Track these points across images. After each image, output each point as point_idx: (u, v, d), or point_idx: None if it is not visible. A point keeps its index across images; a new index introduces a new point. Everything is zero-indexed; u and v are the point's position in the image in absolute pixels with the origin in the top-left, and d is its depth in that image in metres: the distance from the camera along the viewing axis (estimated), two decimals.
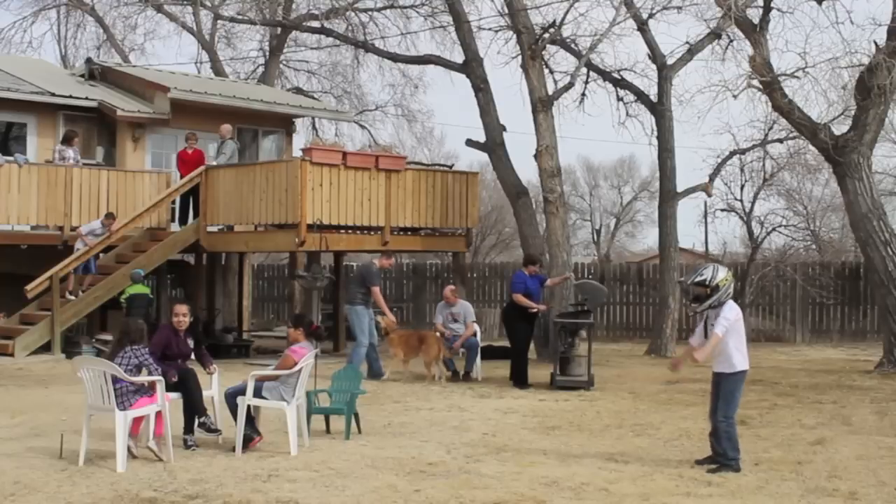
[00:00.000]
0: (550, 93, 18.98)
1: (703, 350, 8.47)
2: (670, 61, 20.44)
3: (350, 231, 18.49)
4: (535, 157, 18.64)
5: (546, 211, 18.73)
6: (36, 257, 18.29)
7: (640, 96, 20.94)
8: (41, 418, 10.97)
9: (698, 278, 8.51)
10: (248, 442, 9.19)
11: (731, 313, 8.44)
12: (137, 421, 8.87)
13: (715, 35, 20.00)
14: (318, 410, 10.14)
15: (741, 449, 8.74)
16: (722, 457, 8.52)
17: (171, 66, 31.01)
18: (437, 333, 15.59)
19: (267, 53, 30.54)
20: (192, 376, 9.57)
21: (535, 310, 14.69)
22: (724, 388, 8.54)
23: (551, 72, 20.35)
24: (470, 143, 20.84)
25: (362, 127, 33.74)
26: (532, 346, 16.11)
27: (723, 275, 8.49)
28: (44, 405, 11.95)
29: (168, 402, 8.97)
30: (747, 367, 8.64)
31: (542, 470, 8.49)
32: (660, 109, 20.37)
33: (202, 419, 9.39)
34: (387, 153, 19.25)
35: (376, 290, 15.18)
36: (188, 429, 9.45)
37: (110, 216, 18.15)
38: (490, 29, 20.66)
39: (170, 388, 9.21)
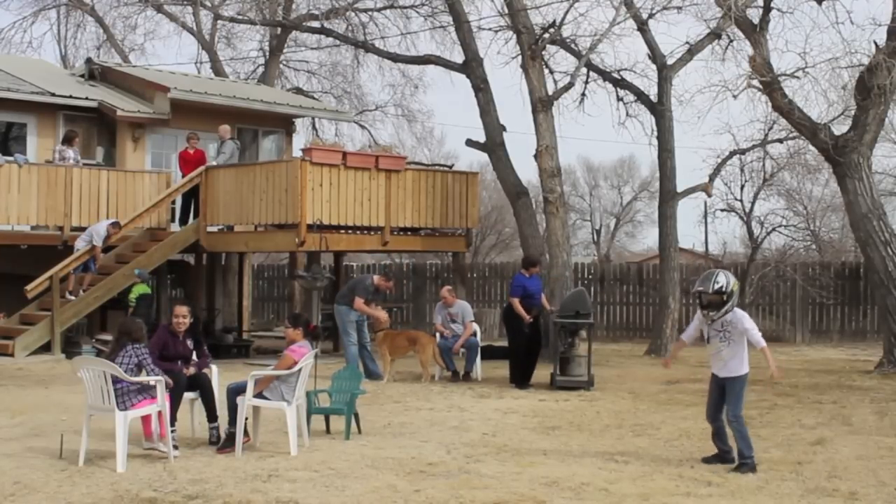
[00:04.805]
0: (550, 93, 18.98)
1: (773, 364, 8.65)
2: (670, 61, 20.44)
3: (350, 231, 18.49)
4: (535, 157, 18.64)
5: (546, 211, 18.73)
6: (36, 257, 18.29)
7: (640, 96, 20.94)
8: (41, 418, 10.97)
9: (717, 286, 8.59)
10: (230, 440, 9.18)
11: (750, 320, 8.65)
12: (147, 422, 8.89)
13: (715, 35, 20.00)
14: (318, 410, 10.14)
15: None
16: (731, 455, 8.64)
17: (171, 66, 31.03)
18: (437, 334, 15.61)
19: (267, 53, 30.54)
20: (206, 380, 9.70)
21: (526, 320, 14.59)
22: (732, 389, 8.67)
23: (551, 72, 20.37)
24: (470, 143, 20.84)
25: (362, 127, 33.76)
26: None
27: (733, 280, 8.67)
28: (44, 405, 11.95)
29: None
30: (748, 368, 8.80)
31: (542, 470, 8.49)
32: (660, 109, 20.37)
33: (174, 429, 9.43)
34: (387, 153, 19.25)
35: (358, 300, 15.19)
36: (212, 418, 9.56)
37: (117, 225, 18.11)
38: (490, 29, 20.69)
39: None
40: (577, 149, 78.40)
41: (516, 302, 14.65)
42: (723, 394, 8.73)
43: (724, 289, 8.55)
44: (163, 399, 8.86)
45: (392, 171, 18.52)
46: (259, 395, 9.32)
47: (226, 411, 9.43)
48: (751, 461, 8.52)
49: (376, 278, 15.81)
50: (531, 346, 14.73)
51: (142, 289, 17.35)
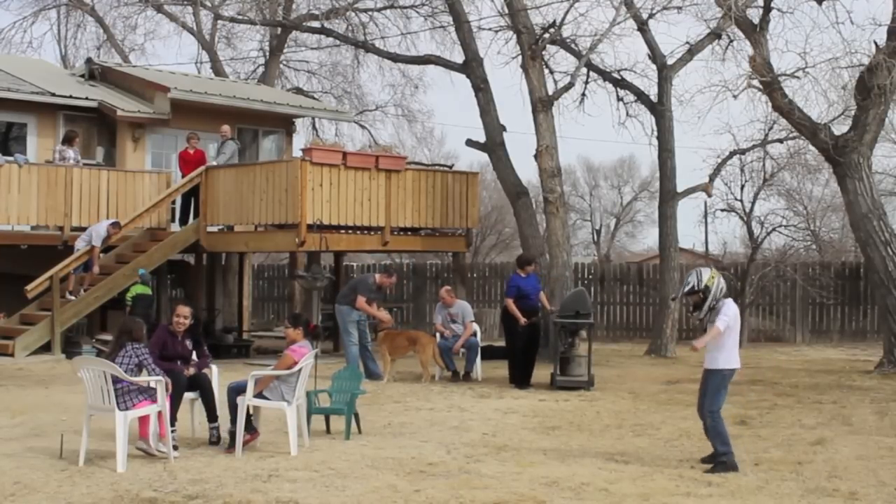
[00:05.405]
0: (550, 93, 18.99)
1: (702, 339, 8.60)
2: (670, 61, 20.44)
3: (350, 231, 18.49)
4: (535, 157, 18.66)
5: (546, 211, 18.74)
6: (36, 257, 18.29)
7: (640, 96, 20.94)
8: (41, 418, 10.97)
9: (686, 288, 8.68)
10: (233, 438, 9.19)
11: (731, 310, 8.58)
12: (144, 422, 8.89)
13: (715, 35, 20.00)
14: (319, 410, 10.14)
15: (741, 449, 8.76)
16: (715, 454, 8.58)
17: (171, 66, 31.02)
18: (437, 334, 15.61)
19: (267, 53, 30.55)
20: (206, 380, 9.74)
21: (521, 322, 14.53)
22: (711, 383, 8.65)
23: (551, 72, 20.37)
24: (470, 143, 20.84)
25: (362, 127, 33.77)
26: None
27: (707, 275, 8.62)
28: (44, 405, 11.95)
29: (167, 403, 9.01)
30: (738, 365, 8.75)
31: (542, 470, 8.49)
32: (660, 109, 20.37)
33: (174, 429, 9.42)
34: (387, 153, 19.25)
35: (360, 299, 15.18)
36: (212, 418, 9.58)
37: (117, 225, 18.11)
38: (490, 29, 20.71)
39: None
40: (577, 149, 78.50)
41: (510, 303, 14.64)
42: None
43: (695, 287, 8.58)
44: (163, 399, 8.86)
45: (392, 171, 18.52)
46: (259, 395, 9.32)
47: (226, 411, 9.43)
48: (727, 458, 8.47)
49: (378, 276, 15.83)
50: (529, 347, 14.72)
51: (139, 289, 17.34)
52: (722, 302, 8.58)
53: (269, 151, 22.87)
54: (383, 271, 16.34)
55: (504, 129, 20.21)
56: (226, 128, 19.89)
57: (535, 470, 8.49)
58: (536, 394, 13.70)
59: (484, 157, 22.43)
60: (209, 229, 19.14)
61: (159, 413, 8.84)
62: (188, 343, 9.81)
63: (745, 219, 25.54)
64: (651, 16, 20.20)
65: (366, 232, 18.77)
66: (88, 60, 23.95)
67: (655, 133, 20.61)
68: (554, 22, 18.93)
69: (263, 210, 17.97)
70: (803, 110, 17.21)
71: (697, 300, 8.61)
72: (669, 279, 20.23)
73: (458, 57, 21.77)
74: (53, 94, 20.06)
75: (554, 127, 18.73)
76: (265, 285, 30.51)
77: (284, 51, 30.91)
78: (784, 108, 17.18)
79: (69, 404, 11.60)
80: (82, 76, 22.69)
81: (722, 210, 25.97)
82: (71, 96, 20.36)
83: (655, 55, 20.47)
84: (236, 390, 9.36)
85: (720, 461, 8.48)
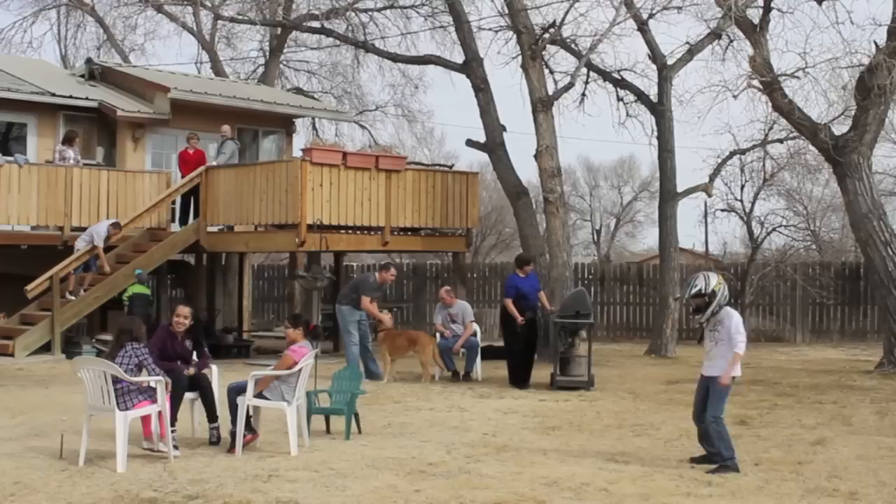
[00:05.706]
0: (550, 93, 18.99)
1: (728, 370, 8.58)
2: (670, 61, 20.43)
3: (350, 231, 18.50)
4: (535, 157, 18.65)
5: (546, 211, 18.74)
6: (36, 257, 18.29)
7: (640, 96, 20.93)
8: (41, 418, 10.97)
9: (694, 290, 8.68)
10: (233, 438, 9.19)
11: (739, 324, 8.59)
12: (146, 422, 8.88)
13: (715, 35, 19.99)
14: (319, 410, 10.14)
15: (741, 449, 8.77)
16: (718, 457, 8.56)
17: (171, 66, 31.05)
18: (437, 334, 15.61)
19: (267, 53, 30.53)
20: (206, 380, 9.74)
21: (519, 322, 14.51)
22: (716, 389, 8.65)
23: (551, 72, 20.36)
24: (470, 143, 20.84)
25: (362, 127, 33.74)
26: None
27: (715, 281, 8.64)
28: (44, 405, 11.95)
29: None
30: (740, 372, 8.84)
31: (542, 470, 8.49)
32: (660, 109, 20.36)
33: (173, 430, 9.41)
34: (387, 153, 19.26)
35: (365, 299, 15.20)
36: (212, 418, 9.58)
37: (117, 225, 18.12)
38: (490, 29, 20.69)
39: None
40: (577, 149, 78.41)
41: (509, 303, 14.64)
42: (708, 394, 8.74)
43: (702, 291, 8.60)
44: (163, 399, 8.86)
45: (392, 171, 18.52)
46: (259, 395, 9.32)
47: (226, 411, 9.43)
48: (731, 463, 8.48)
49: (378, 274, 15.86)
50: (527, 346, 14.71)
51: (136, 289, 17.35)
52: (724, 311, 8.60)
53: (269, 151, 22.87)
54: (381, 268, 16.35)
55: (504, 129, 20.20)
56: (226, 128, 19.90)
57: (535, 470, 8.49)
58: (536, 394, 13.70)
59: (484, 157, 22.45)
60: (209, 229, 19.14)
61: (159, 413, 8.85)
62: (188, 343, 9.82)
63: (745, 219, 25.58)
64: (651, 16, 20.19)
65: (366, 232, 18.78)
66: (88, 60, 23.95)
67: (655, 133, 20.61)
68: (554, 22, 18.93)
69: (263, 210, 17.97)
70: (803, 110, 17.22)
71: (702, 304, 8.63)
72: (669, 279, 20.23)
73: (458, 57, 21.78)
74: (53, 94, 20.06)
75: (554, 127, 18.73)
76: (265, 285, 30.48)
77: (284, 51, 30.88)
78: (784, 108, 17.18)
79: (69, 404, 11.60)
80: (82, 76, 22.68)
81: (722, 210, 26.03)
82: (71, 96, 20.36)
83: (655, 55, 20.46)
84: (236, 390, 9.36)
85: (724, 465, 8.47)
